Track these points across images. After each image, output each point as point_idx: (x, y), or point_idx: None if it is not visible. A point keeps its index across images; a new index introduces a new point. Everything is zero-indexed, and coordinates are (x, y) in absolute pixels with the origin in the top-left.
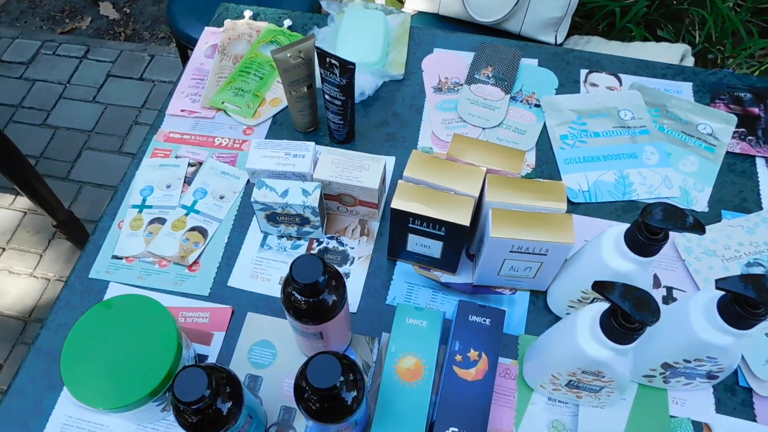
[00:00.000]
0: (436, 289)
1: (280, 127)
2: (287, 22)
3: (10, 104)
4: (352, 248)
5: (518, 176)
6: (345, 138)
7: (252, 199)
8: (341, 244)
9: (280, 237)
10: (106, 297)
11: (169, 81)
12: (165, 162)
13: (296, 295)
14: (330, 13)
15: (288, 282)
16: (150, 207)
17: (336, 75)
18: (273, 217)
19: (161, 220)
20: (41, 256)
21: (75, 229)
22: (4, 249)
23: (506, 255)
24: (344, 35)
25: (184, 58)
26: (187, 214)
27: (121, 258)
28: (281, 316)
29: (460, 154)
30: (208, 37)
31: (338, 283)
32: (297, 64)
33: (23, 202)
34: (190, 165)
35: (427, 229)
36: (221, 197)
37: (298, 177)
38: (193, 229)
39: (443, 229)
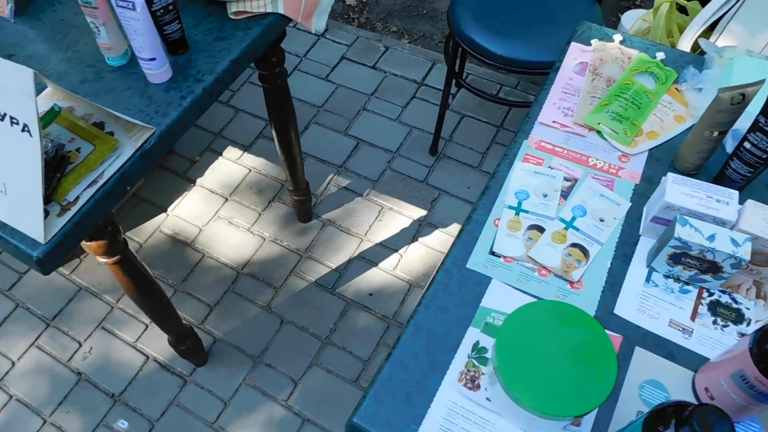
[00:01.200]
0: None
1: (657, 162)
2: (660, 55)
3: None
4: (748, 309)
5: None
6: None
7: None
8: (735, 301)
9: (667, 277)
10: (488, 294)
11: (401, 75)
12: (539, 170)
13: None
14: (709, 54)
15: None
16: (527, 212)
17: None
18: (679, 257)
19: (539, 228)
20: (260, 214)
21: (306, 200)
22: (226, 199)
23: None
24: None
25: (454, 57)
26: (566, 228)
27: (498, 256)
28: (671, 358)
29: None
30: (576, 53)
31: None
32: (731, 107)
33: (250, 159)
34: (565, 179)
35: None
36: (601, 220)
37: (718, 222)
38: (574, 245)
39: None
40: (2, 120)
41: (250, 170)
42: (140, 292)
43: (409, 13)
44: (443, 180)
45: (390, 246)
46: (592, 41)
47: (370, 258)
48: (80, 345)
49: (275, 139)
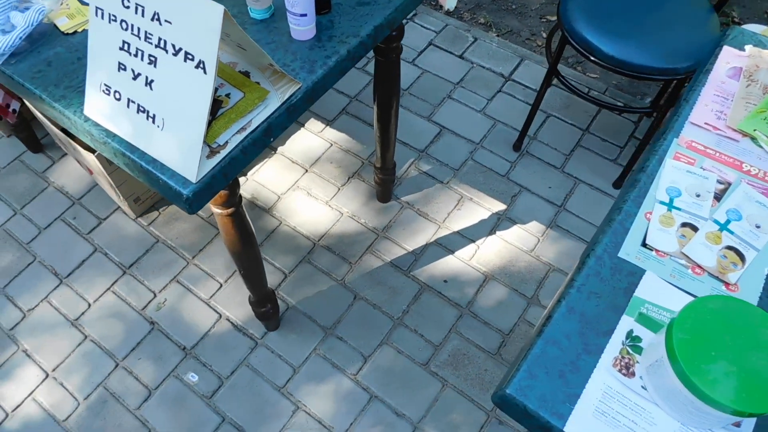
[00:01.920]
0: None
1: None
2: None
3: None
4: None
5: None
6: None
7: None
8: None
9: None
10: (642, 285)
11: (488, 68)
12: (692, 170)
13: None
14: None
15: None
16: (679, 209)
17: None
18: None
19: (692, 227)
20: (339, 189)
21: (389, 180)
22: (306, 171)
23: None
24: None
25: (558, 54)
26: (720, 230)
27: (651, 249)
28: None
29: None
30: (729, 57)
31: None
32: None
33: (332, 134)
34: (718, 182)
35: None
36: (757, 226)
37: None
38: (729, 248)
39: None
40: (175, 55)
41: (332, 144)
42: (242, 248)
43: (498, 6)
44: (525, 177)
45: (467, 236)
46: (746, 47)
47: (446, 245)
48: (155, 295)
49: (375, 113)
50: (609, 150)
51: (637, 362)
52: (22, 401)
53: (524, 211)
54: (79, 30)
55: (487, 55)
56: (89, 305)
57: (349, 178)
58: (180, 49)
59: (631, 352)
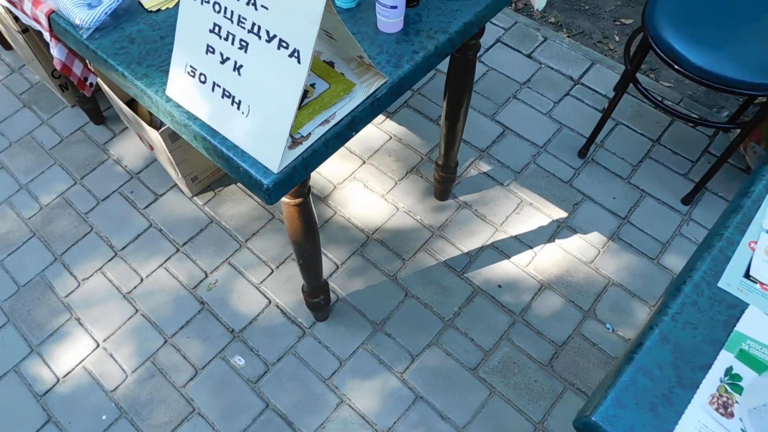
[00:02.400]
0: None
1: None
2: None
3: None
4: None
5: None
6: None
7: None
8: None
9: None
10: (744, 319)
11: (557, 69)
12: None
13: None
14: None
15: None
16: None
17: None
18: None
19: None
20: (396, 183)
21: (450, 178)
22: (364, 162)
23: None
24: None
25: (640, 60)
26: None
27: (755, 281)
28: None
29: None
30: None
31: None
32: None
33: (391, 126)
34: None
35: None
36: None
37: None
38: None
39: None
40: (269, 41)
41: (391, 137)
42: (305, 239)
43: (570, 6)
44: (589, 185)
45: (525, 241)
46: None
47: (503, 249)
48: (206, 275)
49: (444, 110)
50: (680, 164)
51: (737, 402)
52: (73, 368)
53: (586, 221)
54: (163, 8)
55: (557, 56)
56: (141, 280)
57: (407, 173)
58: (274, 36)
59: (729, 390)
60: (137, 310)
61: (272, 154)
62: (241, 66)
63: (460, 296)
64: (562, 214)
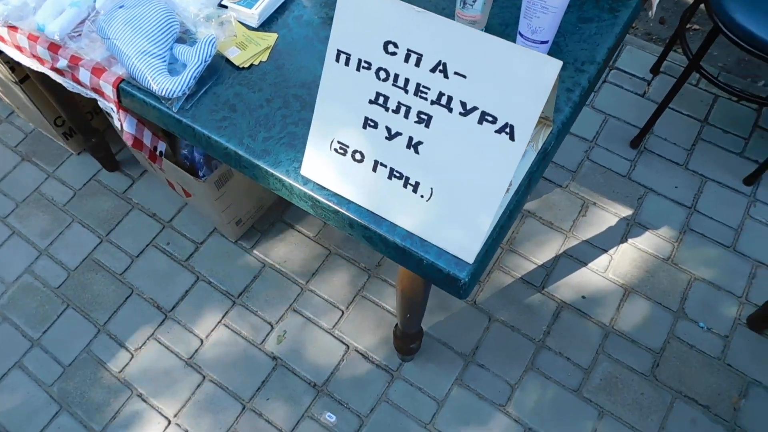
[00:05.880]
0: None
1: None
2: None
3: None
4: None
5: None
6: None
7: None
8: None
9: None
10: None
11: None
12: None
13: None
14: None
15: None
16: None
17: None
18: None
19: None
20: None
21: None
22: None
23: None
24: None
25: (706, 45)
26: None
27: None
28: None
29: None
30: None
31: None
32: None
33: None
34: None
35: None
36: None
37: None
38: None
39: None
40: (465, 114)
41: None
42: (423, 296)
43: None
44: (648, 176)
45: (598, 245)
46: None
47: (577, 257)
48: (272, 327)
49: None
50: (733, 143)
51: None
52: None
53: (654, 215)
54: (256, 63)
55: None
56: (201, 341)
57: None
58: (474, 108)
59: None
60: (204, 377)
61: (469, 244)
62: (419, 143)
63: (545, 313)
64: (628, 211)
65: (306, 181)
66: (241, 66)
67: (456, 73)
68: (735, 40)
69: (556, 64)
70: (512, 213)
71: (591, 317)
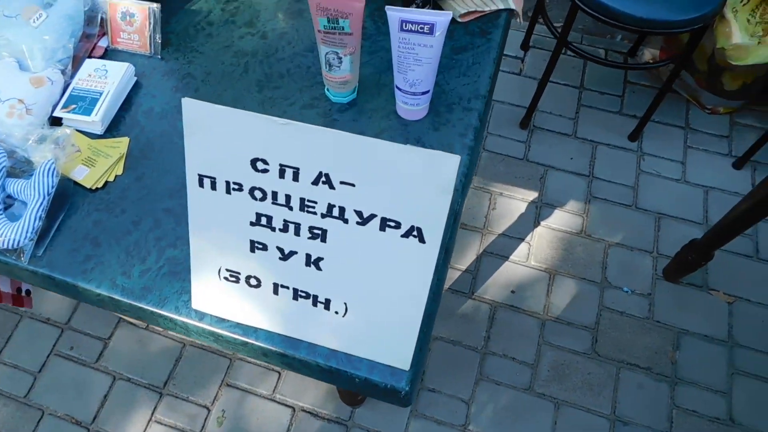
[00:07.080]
0: None
1: None
2: None
3: None
4: None
5: None
6: None
7: None
8: None
9: None
10: None
11: None
12: None
13: None
14: None
15: None
16: None
17: None
18: None
19: None
20: None
21: None
22: None
23: None
24: None
25: (569, 24)
26: None
27: None
28: None
29: None
30: None
31: None
32: None
33: None
34: None
35: None
36: None
37: None
38: None
39: None
40: (363, 224)
41: None
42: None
43: None
44: (543, 154)
45: (514, 235)
46: None
47: (497, 252)
48: (209, 410)
49: None
50: (611, 102)
51: None
52: None
53: (558, 191)
54: (111, 179)
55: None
56: None
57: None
58: (372, 216)
59: None
60: None
61: (400, 350)
62: (319, 259)
63: (481, 318)
64: (534, 193)
65: (201, 316)
66: (93, 187)
67: (342, 182)
68: (592, 13)
69: (455, 160)
70: (435, 295)
71: (524, 310)
